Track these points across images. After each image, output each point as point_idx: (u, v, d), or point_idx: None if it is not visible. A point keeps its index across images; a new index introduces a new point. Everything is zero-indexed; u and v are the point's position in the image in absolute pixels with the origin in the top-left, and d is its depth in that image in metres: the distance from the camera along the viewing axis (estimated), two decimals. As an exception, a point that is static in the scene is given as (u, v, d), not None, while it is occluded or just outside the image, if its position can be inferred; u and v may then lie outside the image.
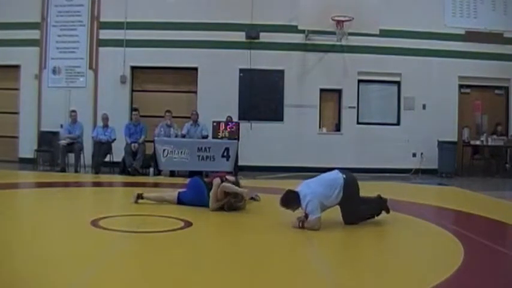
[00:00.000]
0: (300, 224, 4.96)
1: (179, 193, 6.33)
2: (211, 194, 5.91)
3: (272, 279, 3.45)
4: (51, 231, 4.90)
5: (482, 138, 12.40)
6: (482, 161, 12.85)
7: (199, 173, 10.09)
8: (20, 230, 4.98)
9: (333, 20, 11.28)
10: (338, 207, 5.20)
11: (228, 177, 6.18)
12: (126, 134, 11.03)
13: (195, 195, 6.17)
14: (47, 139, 12.09)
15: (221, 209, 5.92)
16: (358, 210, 5.27)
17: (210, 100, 12.42)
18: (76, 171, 10.83)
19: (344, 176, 5.15)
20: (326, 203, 5.01)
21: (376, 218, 5.43)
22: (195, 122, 11.31)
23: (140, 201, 6.26)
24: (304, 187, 5.05)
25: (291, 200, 5.01)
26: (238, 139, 10.80)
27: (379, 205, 5.42)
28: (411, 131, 12.76)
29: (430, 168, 12.42)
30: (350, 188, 5.12)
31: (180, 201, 6.24)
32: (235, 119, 11.87)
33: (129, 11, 12.51)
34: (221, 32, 12.55)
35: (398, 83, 13.07)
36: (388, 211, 5.43)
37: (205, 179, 6.58)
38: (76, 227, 5.05)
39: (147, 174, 10.76)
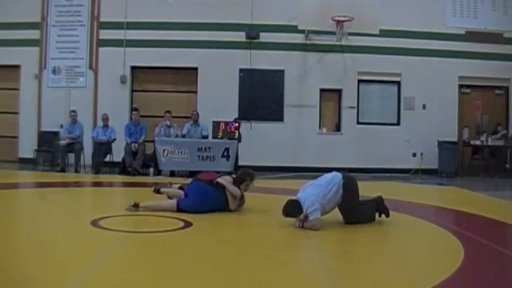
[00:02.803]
0: (300, 224, 4.98)
1: (178, 201, 5.84)
2: (229, 193, 5.78)
3: (272, 279, 3.44)
4: (51, 231, 4.89)
5: (482, 138, 12.40)
6: (482, 161, 12.86)
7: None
8: (20, 230, 4.98)
9: (333, 20, 11.28)
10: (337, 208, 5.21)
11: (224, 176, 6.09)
12: (126, 134, 11.04)
13: (203, 198, 5.75)
14: (47, 139, 12.07)
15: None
16: (358, 210, 5.27)
17: (210, 100, 12.43)
18: (76, 171, 10.83)
19: (342, 175, 5.18)
20: (325, 204, 5.01)
21: (375, 219, 5.42)
22: (196, 122, 11.30)
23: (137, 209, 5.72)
24: (302, 193, 5.10)
25: (292, 208, 5.06)
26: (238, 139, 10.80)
27: (376, 206, 5.40)
28: (411, 131, 12.77)
29: (430, 168, 12.43)
30: (350, 187, 5.14)
31: (181, 209, 5.69)
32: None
33: (129, 11, 12.51)
34: (221, 32, 12.55)
35: (398, 83, 13.07)
36: (387, 214, 5.38)
37: (203, 179, 6.25)
38: (76, 227, 5.06)
39: (147, 174, 10.75)
